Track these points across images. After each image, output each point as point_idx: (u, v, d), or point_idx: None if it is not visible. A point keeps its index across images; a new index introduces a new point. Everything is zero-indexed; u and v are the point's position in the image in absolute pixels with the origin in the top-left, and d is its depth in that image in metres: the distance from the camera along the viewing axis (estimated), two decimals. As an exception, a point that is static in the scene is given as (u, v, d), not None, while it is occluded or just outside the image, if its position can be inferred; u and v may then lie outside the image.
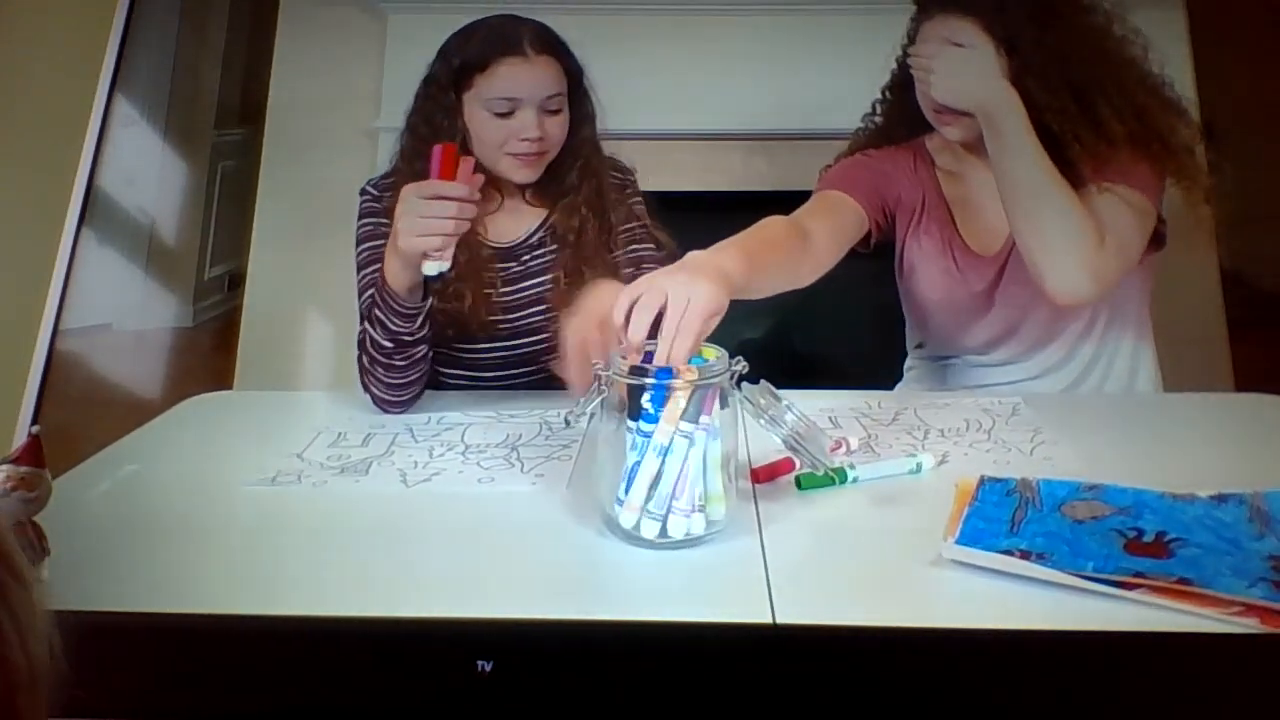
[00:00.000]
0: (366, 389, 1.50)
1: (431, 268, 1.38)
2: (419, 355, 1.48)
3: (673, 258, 1.40)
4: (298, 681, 1.01)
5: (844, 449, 1.32)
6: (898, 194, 1.63)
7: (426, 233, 1.36)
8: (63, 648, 0.61)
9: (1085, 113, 1.50)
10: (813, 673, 0.96)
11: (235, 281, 2.01)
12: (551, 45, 1.54)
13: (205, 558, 1.15)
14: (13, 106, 1.89)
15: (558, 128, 1.55)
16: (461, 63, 1.53)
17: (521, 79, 1.52)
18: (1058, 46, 1.51)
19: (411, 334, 1.45)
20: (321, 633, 1.02)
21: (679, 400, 1.09)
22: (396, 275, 1.42)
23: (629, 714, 0.99)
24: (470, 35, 1.55)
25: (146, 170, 1.92)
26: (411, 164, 1.56)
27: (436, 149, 1.38)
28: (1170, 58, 1.63)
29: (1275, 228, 1.97)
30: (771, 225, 1.44)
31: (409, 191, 1.37)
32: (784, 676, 0.97)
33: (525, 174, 1.56)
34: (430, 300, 1.46)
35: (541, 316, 1.56)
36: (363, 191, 1.58)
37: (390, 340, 1.46)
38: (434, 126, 1.55)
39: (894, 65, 1.65)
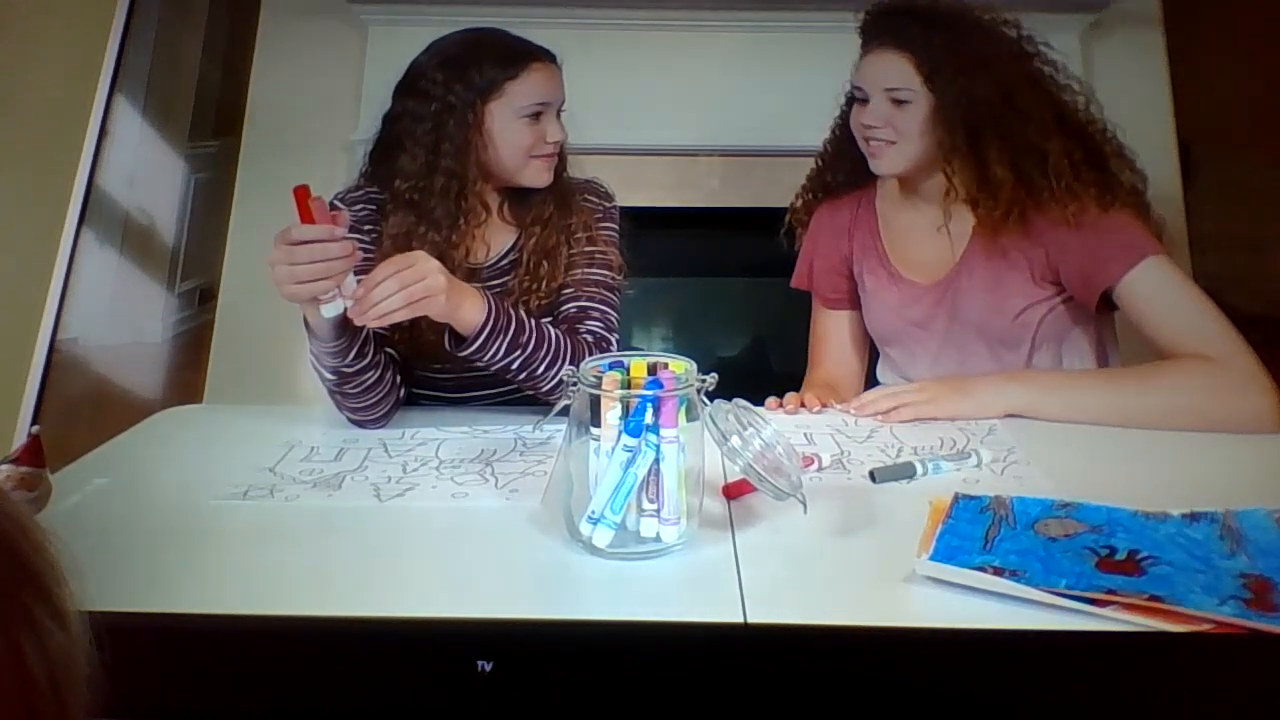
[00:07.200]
0: (339, 409, 1.49)
1: (329, 309, 1.33)
2: (370, 381, 1.45)
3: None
4: (297, 682, 1.00)
5: (815, 465, 1.32)
6: (847, 254, 1.71)
7: (299, 280, 1.31)
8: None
9: (974, 153, 1.52)
10: (784, 672, 0.98)
11: (206, 296, 1.99)
12: (549, 52, 1.57)
13: (178, 569, 1.13)
14: (12, 107, 1.89)
15: (564, 132, 1.58)
16: (487, 72, 1.52)
17: (549, 83, 1.55)
18: (970, 87, 1.52)
19: (350, 366, 1.43)
20: (321, 633, 1.02)
21: (615, 410, 1.10)
22: (308, 316, 1.39)
23: (627, 710, 1.00)
24: (471, 48, 1.55)
25: (118, 182, 1.91)
26: (385, 167, 1.56)
27: (293, 191, 1.33)
28: (1148, 80, 1.64)
29: (1247, 249, 1.99)
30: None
31: (277, 240, 1.33)
32: (756, 674, 0.98)
33: (547, 177, 1.57)
34: (364, 330, 1.41)
35: None
36: (330, 205, 1.56)
37: (332, 374, 1.44)
38: (459, 143, 1.52)
39: (838, 116, 1.68)
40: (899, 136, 1.55)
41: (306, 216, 1.31)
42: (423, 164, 1.53)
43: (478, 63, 1.53)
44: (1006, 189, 1.52)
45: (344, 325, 1.38)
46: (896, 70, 1.54)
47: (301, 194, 1.31)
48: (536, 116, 1.54)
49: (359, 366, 1.43)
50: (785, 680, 0.98)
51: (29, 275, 1.73)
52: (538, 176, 1.57)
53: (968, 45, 1.55)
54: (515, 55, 1.54)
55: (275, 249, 1.31)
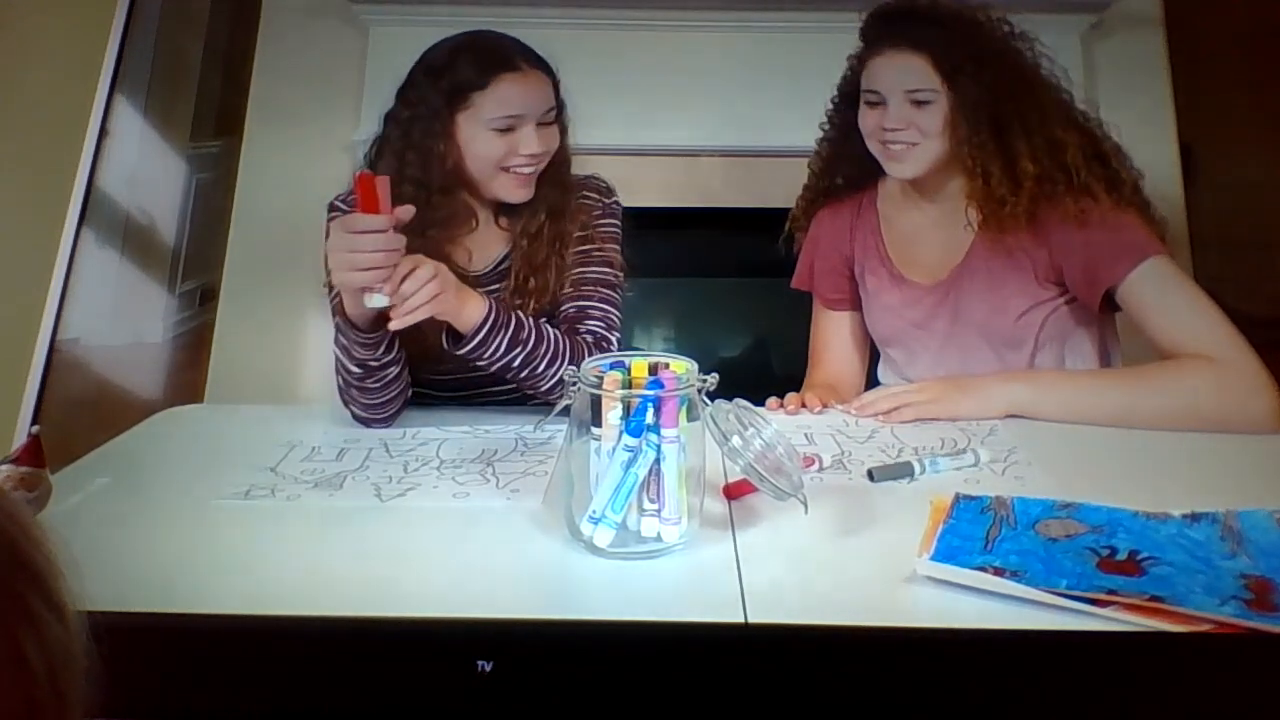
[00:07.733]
0: (346, 405, 1.49)
1: (377, 299, 1.34)
2: (391, 376, 1.46)
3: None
4: (297, 682, 1.01)
5: (816, 465, 1.32)
6: (848, 254, 1.71)
7: (356, 268, 1.32)
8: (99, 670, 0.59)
9: (1000, 149, 1.52)
10: (784, 672, 0.99)
11: (206, 296, 1.99)
12: (539, 59, 1.52)
13: (178, 569, 1.13)
14: (12, 107, 1.89)
15: (552, 142, 1.53)
16: (457, 82, 1.49)
17: (522, 95, 1.49)
18: (994, 83, 1.52)
19: (378, 359, 1.44)
20: (321, 633, 1.02)
21: (616, 410, 1.11)
22: (348, 306, 1.40)
23: (627, 710, 1.00)
24: (456, 53, 1.51)
25: (118, 183, 1.91)
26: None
27: (356, 178, 1.33)
28: (1148, 80, 1.63)
29: (1248, 249, 1.99)
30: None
31: (337, 226, 1.34)
32: (756, 674, 0.99)
33: (522, 193, 1.52)
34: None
35: None
36: (331, 207, 1.56)
37: (359, 366, 1.44)
38: (423, 152, 1.50)
39: (827, 122, 1.68)
40: (923, 137, 1.54)
41: (370, 205, 1.31)
42: (396, 171, 1.50)
43: (452, 71, 1.50)
44: (1030, 184, 1.51)
45: (382, 317, 1.39)
46: (916, 71, 1.53)
47: (365, 181, 1.30)
48: (507, 129, 1.49)
49: (387, 360, 1.45)
50: (785, 680, 0.98)
51: (29, 275, 1.73)
52: (510, 191, 1.52)
53: (978, 42, 1.55)
54: (489, 65, 1.49)
55: (335, 235, 1.34)
